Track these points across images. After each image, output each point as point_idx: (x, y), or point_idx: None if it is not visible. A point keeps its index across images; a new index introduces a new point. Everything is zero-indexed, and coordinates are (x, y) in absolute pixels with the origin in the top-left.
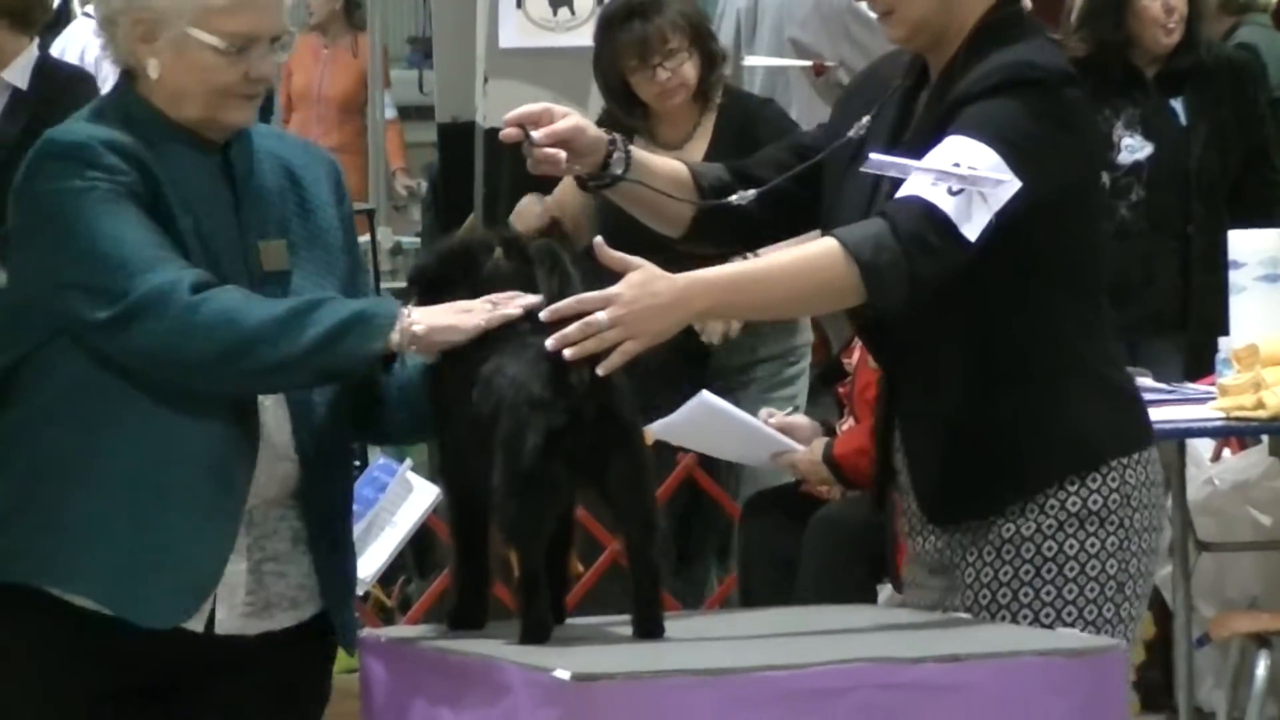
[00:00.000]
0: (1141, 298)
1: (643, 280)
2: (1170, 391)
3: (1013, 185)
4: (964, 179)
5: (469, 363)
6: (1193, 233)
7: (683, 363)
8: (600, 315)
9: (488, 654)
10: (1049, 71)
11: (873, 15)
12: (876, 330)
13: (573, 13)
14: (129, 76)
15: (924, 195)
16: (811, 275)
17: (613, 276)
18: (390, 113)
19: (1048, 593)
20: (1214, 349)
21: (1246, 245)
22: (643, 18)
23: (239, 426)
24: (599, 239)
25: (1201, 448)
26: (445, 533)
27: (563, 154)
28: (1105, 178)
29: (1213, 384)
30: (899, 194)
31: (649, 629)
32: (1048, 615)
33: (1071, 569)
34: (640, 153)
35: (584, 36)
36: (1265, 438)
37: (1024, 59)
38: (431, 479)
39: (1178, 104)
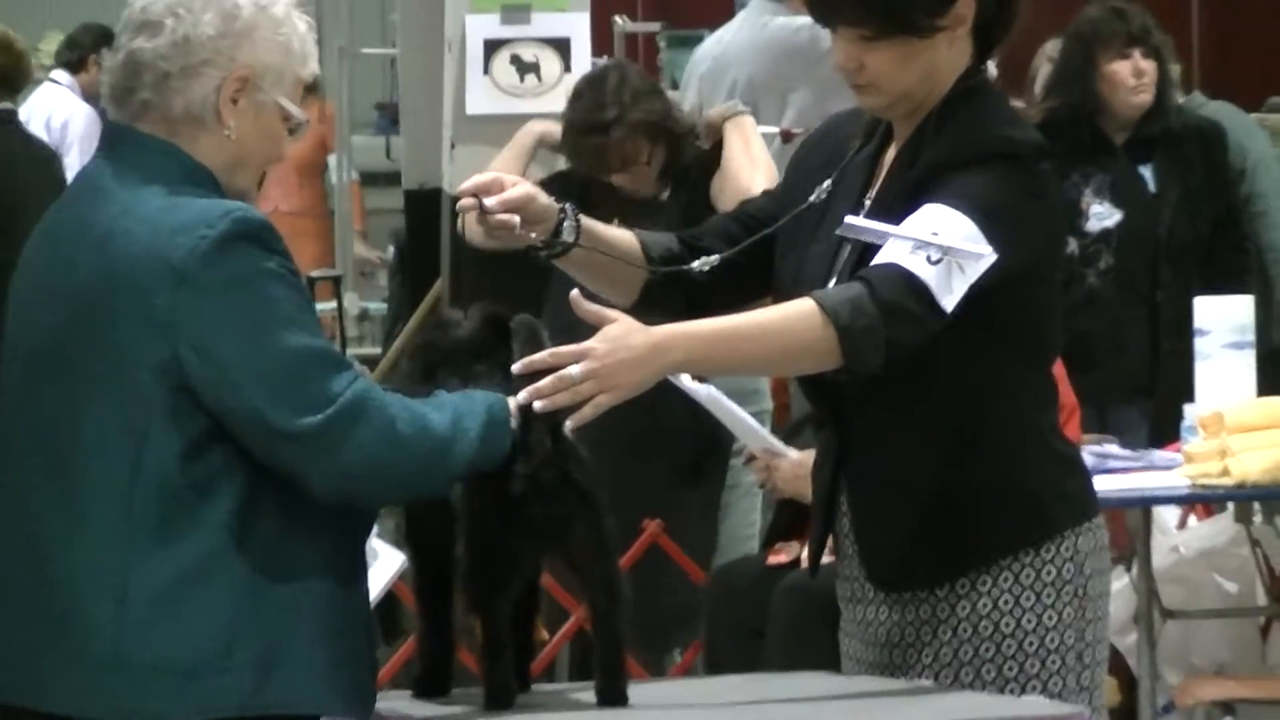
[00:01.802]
0: (1110, 364)
1: (619, 334)
2: (1136, 458)
3: (989, 258)
4: (943, 249)
5: None
6: (1161, 299)
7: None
8: (573, 369)
9: None
10: (1024, 145)
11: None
12: (829, 393)
13: (539, 80)
14: (167, 130)
15: (903, 263)
16: (789, 335)
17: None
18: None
19: (1010, 668)
20: (1181, 416)
21: (1213, 313)
22: (603, 131)
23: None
24: (575, 292)
25: (1167, 515)
26: (411, 599)
27: (517, 219)
28: (1074, 244)
29: (1179, 451)
30: (877, 260)
31: (613, 696)
32: (1012, 691)
33: (1031, 643)
34: (590, 221)
35: (551, 103)
36: (1231, 505)
37: (1001, 132)
38: (397, 545)
39: (1147, 170)
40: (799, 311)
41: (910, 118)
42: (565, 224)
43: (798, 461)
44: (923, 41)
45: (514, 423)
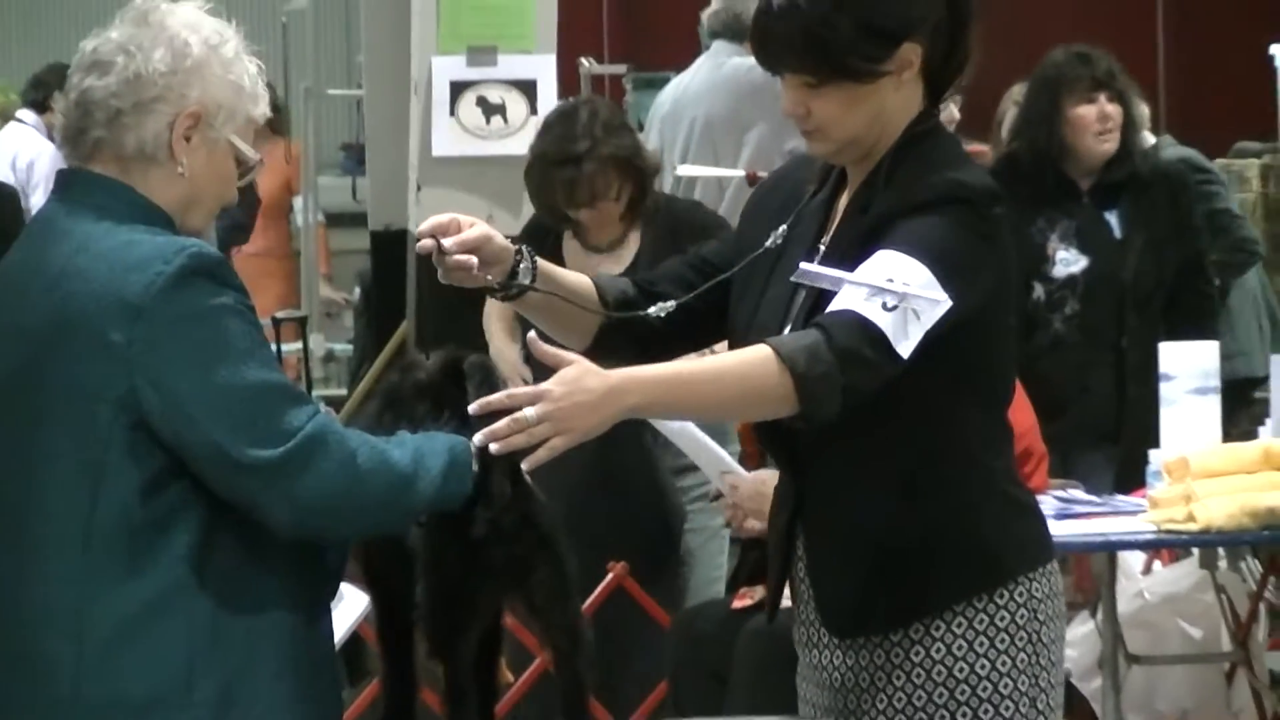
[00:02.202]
0: (1075, 410)
1: (575, 376)
2: (1101, 503)
3: (944, 304)
4: (899, 295)
5: None
6: (1127, 345)
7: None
8: (528, 411)
9: None
10: (977, 190)
11: None
12: (785, 440)
13: (505, 121)
14: (120, 170)
15: (859, 310)
16: (745, 381)
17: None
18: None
19: (964, 714)
20: (1146, 461)
21: (1178, 358)
22: (574, 164)
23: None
24: (532, 334)
25: (1132, 560)
26: (374, 641)
27: (474, 260)
28: (1040, 290)
29: (1144, 496)
30: (833, 307)
31: None
32: None
33: (985, 689)
34: (546, 264)
35: (517, 145)
36: (1196, 550)
37: (954, 177)
38: (361, 587)
39: (1112, 216)
40: (756, 358)
41: (861, 163)
42: (521, 265)
43: (758, 479)
44: (867, 87)
45: (475, 466)
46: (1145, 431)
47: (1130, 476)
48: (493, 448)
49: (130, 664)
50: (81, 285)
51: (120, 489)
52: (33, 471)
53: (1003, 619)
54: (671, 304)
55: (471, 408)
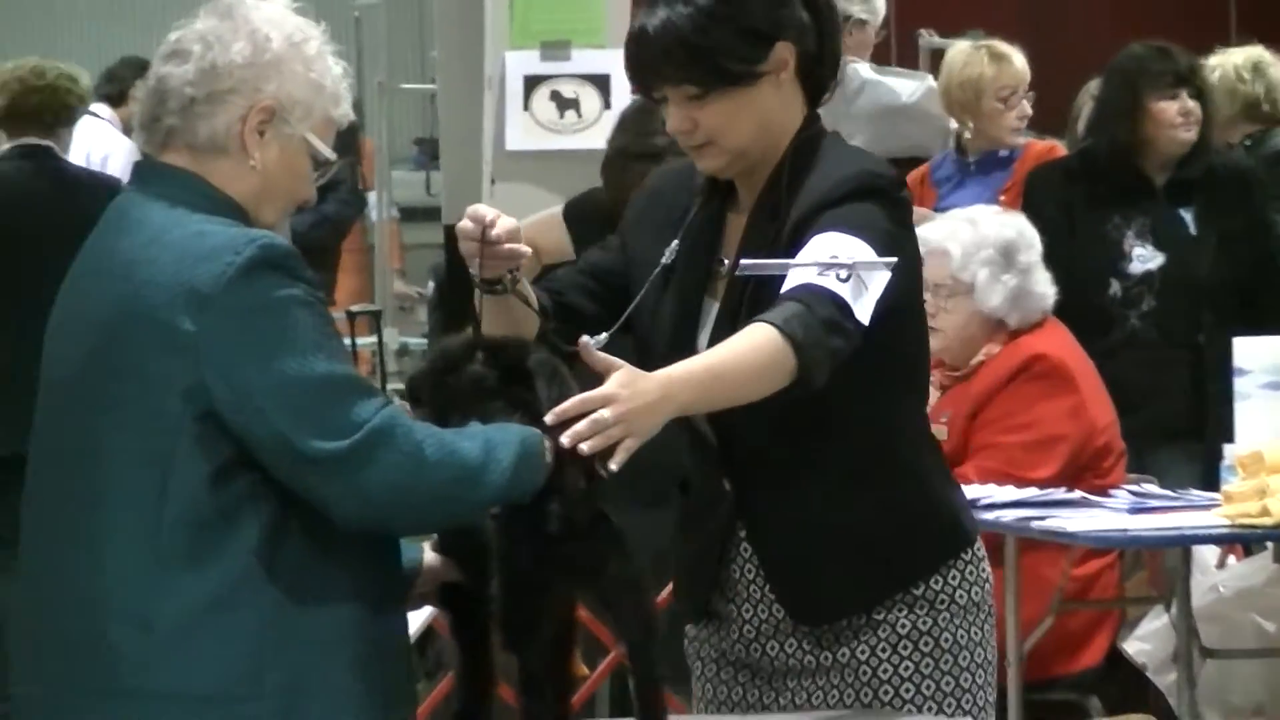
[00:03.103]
0: (1150, 406)
1: (631, 379)
2: (1175, 498)
3: (885, 270)
4: (847, 267)
5: None
6: (1203, 341)
7: None
8: (605, 413)
9: None
10: (888, 179)
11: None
12: (715, 449)
13: (579, 116)
14: (193, 160)
15: (818, 283)
16: (761, 362)
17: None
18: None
19: (927, 686)
20: (1221, 456)
21: (1251, 353)
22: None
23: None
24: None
25: (1206, 554)
26: (449, 634)
27: (527, 249)
28: (1116, 286)
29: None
30: (789, 286)
31: None
32: (930, 709)
33: (947, 661)
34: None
35: (590, 139)
36: (1270, 545)
37: (866, 169)
38: None
39: (1186, 213)
40: (762, 337)
41: (751, 175)
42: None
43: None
44: (749, 91)
45: (548, 456)
46: (1227, 427)
47: (1215, 473)
48: (582, 448)
49: (197, 656)
50: (152, 275)
51: (189, 480)
52: (101, 461)
53: (961, 596)
54: (603, 336)
55: (548, 418)
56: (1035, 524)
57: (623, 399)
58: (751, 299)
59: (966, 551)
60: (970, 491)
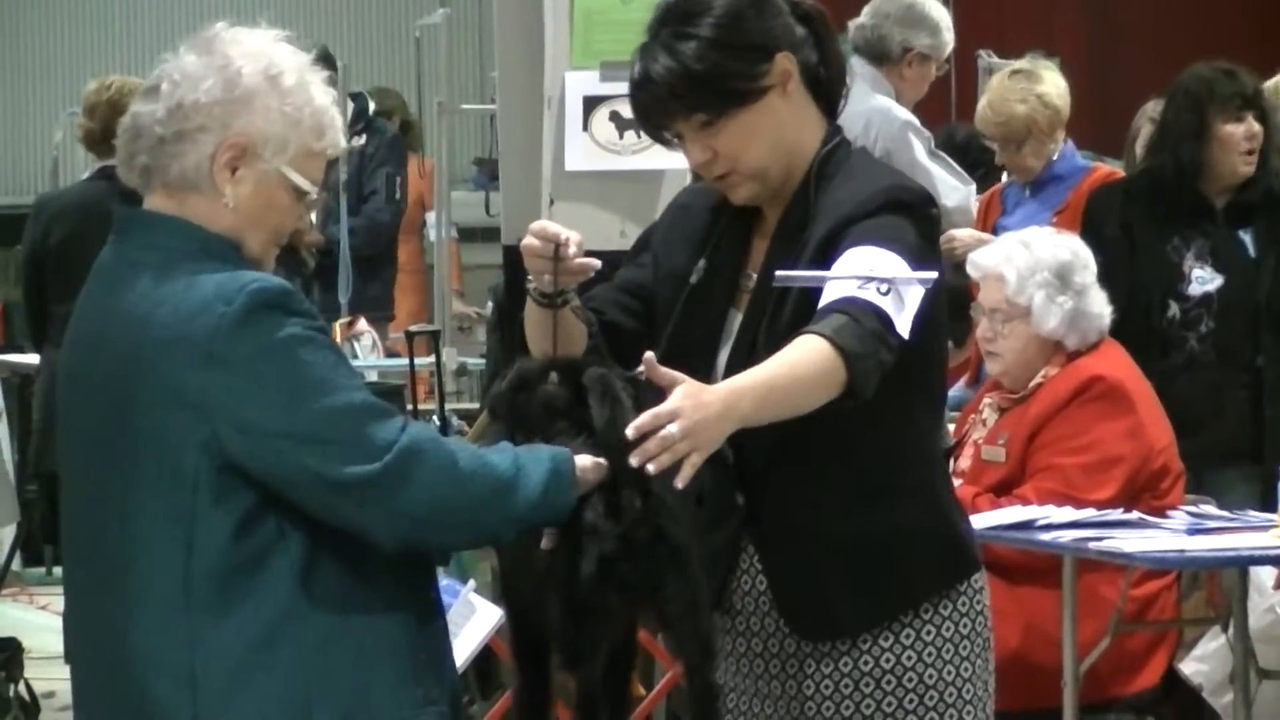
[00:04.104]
0: (1208, 428)
1: (695, 392)
2: (1233, 519)
3: (928, 279)
4: (886, 280)
5: None
6: (1263, 364)
7: None
8: (672, 428)
9: None
10: (918, 194)
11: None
12: (738, 450)
13: (639, 137)
14: (170, 199)
15: (861, 296)
16: (814, 369)
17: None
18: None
19: (931, 719)
20: (1277, 478)
21: None
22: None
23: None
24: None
25: (1264, 576)
26: (507, 654)
27: (598, 263)
28: (1175, 308)
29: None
30: (829, 299)
31: None
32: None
33: (950, 694)
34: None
35: (649, 160)
36: None
37: (896, 183)
38: (494, 600)
39: (1246, 235)
40: (814, 348)
41: (779, 196)
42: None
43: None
44: (758, 107)
45: (580, 475)
46: None
47: (1273, 494)
48: (650, 468)
49: (246, 703)
50: (150, 333)
51: (214, 531)
52: (127, 521)
53: (965, 626)
54: (641, 369)
55: (629, 431)
56: (1093, 544)
57: (687, 413)
58: (774, 312)
59: (969, 580)
60: (1028, 512)
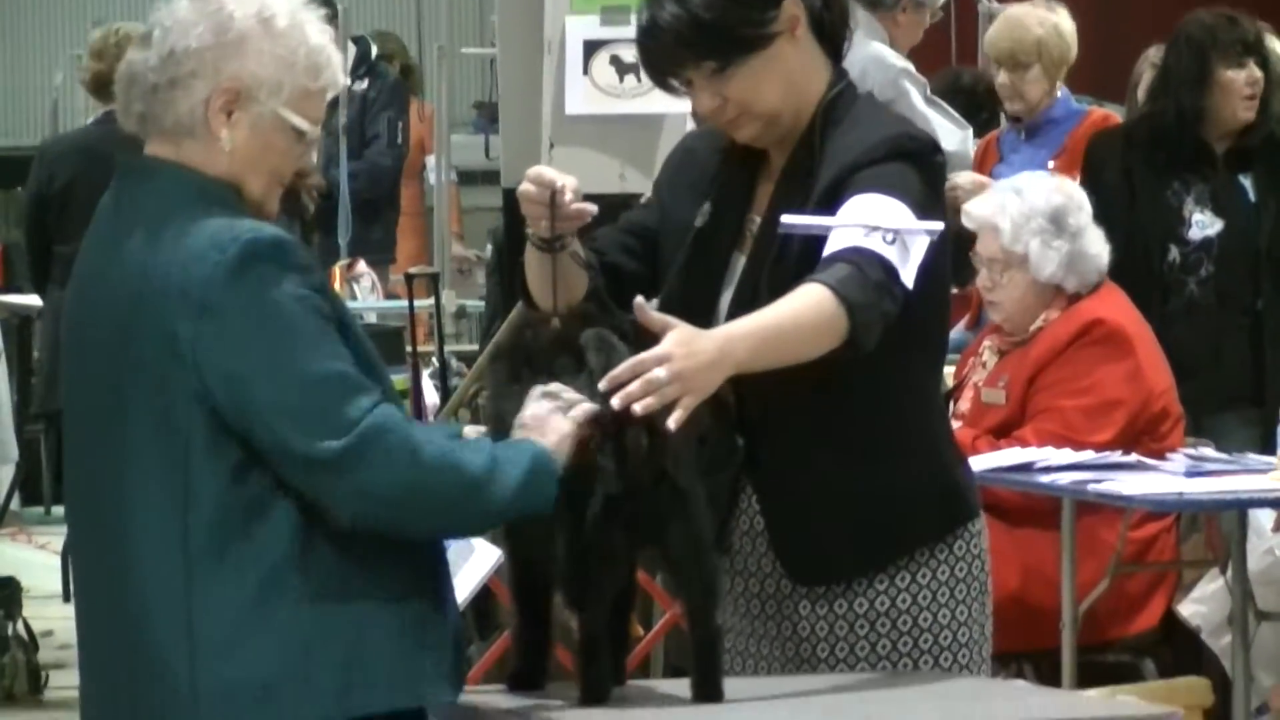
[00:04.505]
0: (1208, 372)
1: (688, 337)
2: (1231, 462)
3: (934, 229)
4: (892, 230)
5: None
6: (1262, 308)
7: None
8: (659, 372)
9: (547, 716)
10: (924, 142)
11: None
12: (740, 393)
13: (639, 80)
14: (168, 145)
15: (866, 245)
16: (815, 318)
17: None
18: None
19: (925, 662)
20: (1277, 421)
21: None
22: None
23: None
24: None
25: (1263, 518)
26: (506, 594)
27: (591, 207)
28: (1175, 252)
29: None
30: (834, 248)
31: (708, 693)
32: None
33: (945, 638)
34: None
35: (650, 104)
36: None
37: (902, 131)
38: (493, 541)
39: (1246, 180)
40: (816, 297)
41: (785, 139)
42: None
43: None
44: (767, 53)
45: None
46: None
47: (1272, 438)
48: (635, 409)
49: (244, 653)
50: (145, 282)
51: (210, 481)
52: (126, 468)
53: (961, 569)
54: (654, 301)
55: (601, 385)
56: (1092, 487)
57: (678, 357)
58: (778, 257)
59: (967, 525)
60: (1027, 455)
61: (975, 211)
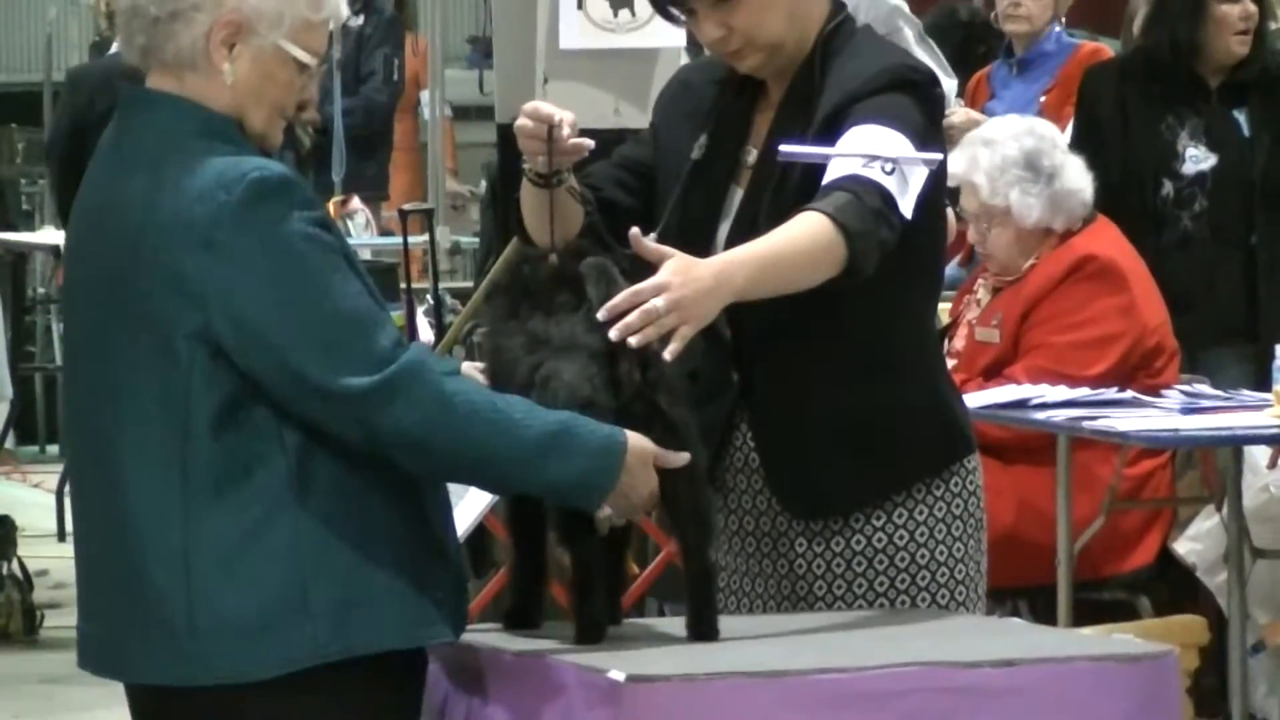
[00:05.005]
0: (1202, 307)
1: (685, 266)
2: (1227, 399)
3: (932, 159)
4: (890, 160)
5: (529, 363)
6: (1256, 243)
7: None
8: (657, 302)
9: (543, 654)
10: (924, 73)
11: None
12: (735, 326)
13: (633, 14)
14: (170, 77)
15: (865, 175)
16: (814, 246)
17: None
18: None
19: (923, 599)
20: (1273, 357)
21: None
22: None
23: None
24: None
25: (1258, 455)
26: (502, 532)
27: (588, 142)
28: (1169, 187)
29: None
30: (833, 176)
31: (703, 630)
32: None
33: (943, 575)
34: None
35: (644, 38)
36: None
37: (903, 62)
38: None
39: (1240, 115)
40: (815, 225)
41: (785, 70)
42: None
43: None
44: None
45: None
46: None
47: (1267, 373)
48: (631, 341)
49: (240, 587)
50: (149, 217)
51: (209, 418)
52: (124, 403)
53: (958, 506)
54: (653, 235)
55: (600, 314)
56: (1087, 423)
57: (675, 286)
58: (777, 187)
59: (962, 460)
60: (1023, 391)
61: (951, 169)
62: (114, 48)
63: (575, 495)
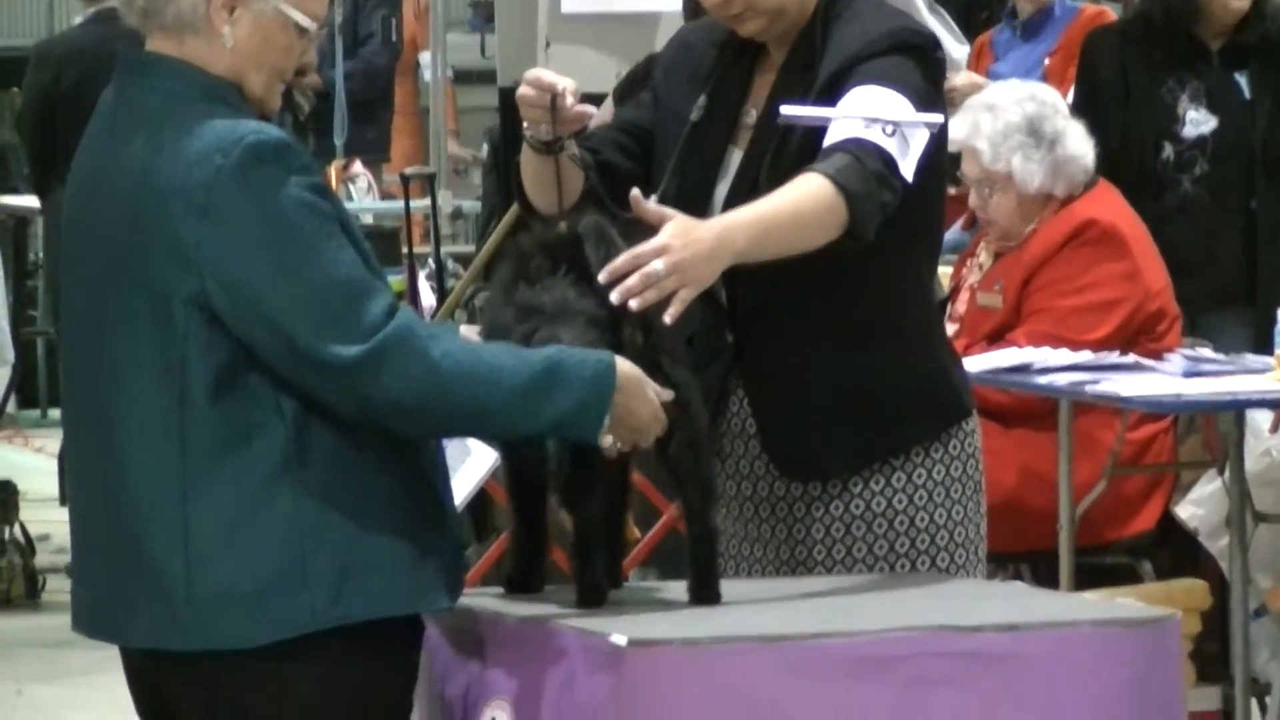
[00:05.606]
0: (1203, 271)
1: (685, 228)
2: (1228, 363)
3: (933, 122)
4: (892, 122)
5: (522, 332)
6: (1256, 207)
7: None
8: (657, 264)
9: (544, 618)
10: (925, 37)
11: None
12: (731, 289)
13: None
14: (170, 41)
15: (866, 137)
16: (815, 208)
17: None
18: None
19: (922, 563)
20: (1274, 321)
21: None
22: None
23: None
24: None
25: (1260, 419)
26: (503, 497)
27: (591, 109)
28: (1169, 150)
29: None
30: (834, 139)
31: (705, 594)
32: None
33: (943, 538)
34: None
35: (646, 2)
36: None
37: (903, 25)
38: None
39: (1241, 78)
40: (816, 187)
41: (786, 34)
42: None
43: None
44: None
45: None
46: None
47: (1268, 340)
48: (632, 304)
49: (238, 555)
50: (146, 181)
51: (206, 384)
52: (121, 375)
53: (956, 468)
54: (654, 198)
55: (601, 276)
56: (1089, 388)
57: (676, 249)
58: (777, 149)
59: (960, 424)
60: (1024, 355)
61: (952, 135)
62: (78, 19)
63: (576, 427)
